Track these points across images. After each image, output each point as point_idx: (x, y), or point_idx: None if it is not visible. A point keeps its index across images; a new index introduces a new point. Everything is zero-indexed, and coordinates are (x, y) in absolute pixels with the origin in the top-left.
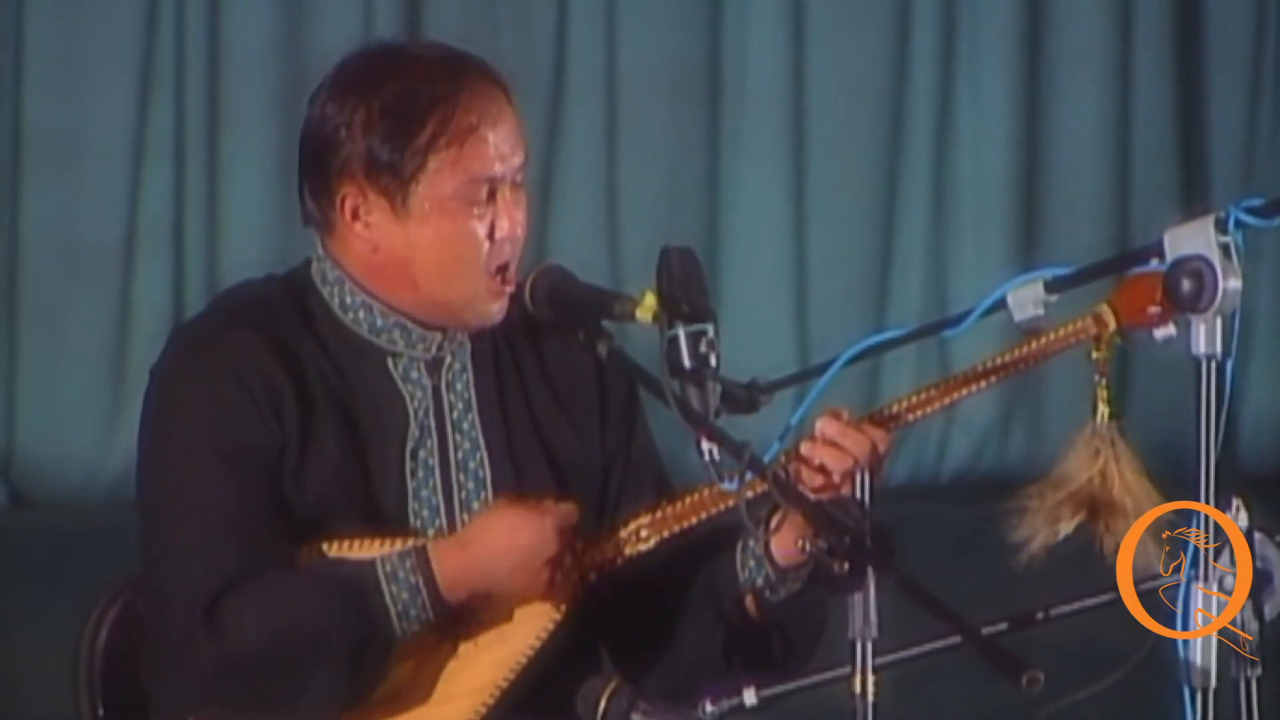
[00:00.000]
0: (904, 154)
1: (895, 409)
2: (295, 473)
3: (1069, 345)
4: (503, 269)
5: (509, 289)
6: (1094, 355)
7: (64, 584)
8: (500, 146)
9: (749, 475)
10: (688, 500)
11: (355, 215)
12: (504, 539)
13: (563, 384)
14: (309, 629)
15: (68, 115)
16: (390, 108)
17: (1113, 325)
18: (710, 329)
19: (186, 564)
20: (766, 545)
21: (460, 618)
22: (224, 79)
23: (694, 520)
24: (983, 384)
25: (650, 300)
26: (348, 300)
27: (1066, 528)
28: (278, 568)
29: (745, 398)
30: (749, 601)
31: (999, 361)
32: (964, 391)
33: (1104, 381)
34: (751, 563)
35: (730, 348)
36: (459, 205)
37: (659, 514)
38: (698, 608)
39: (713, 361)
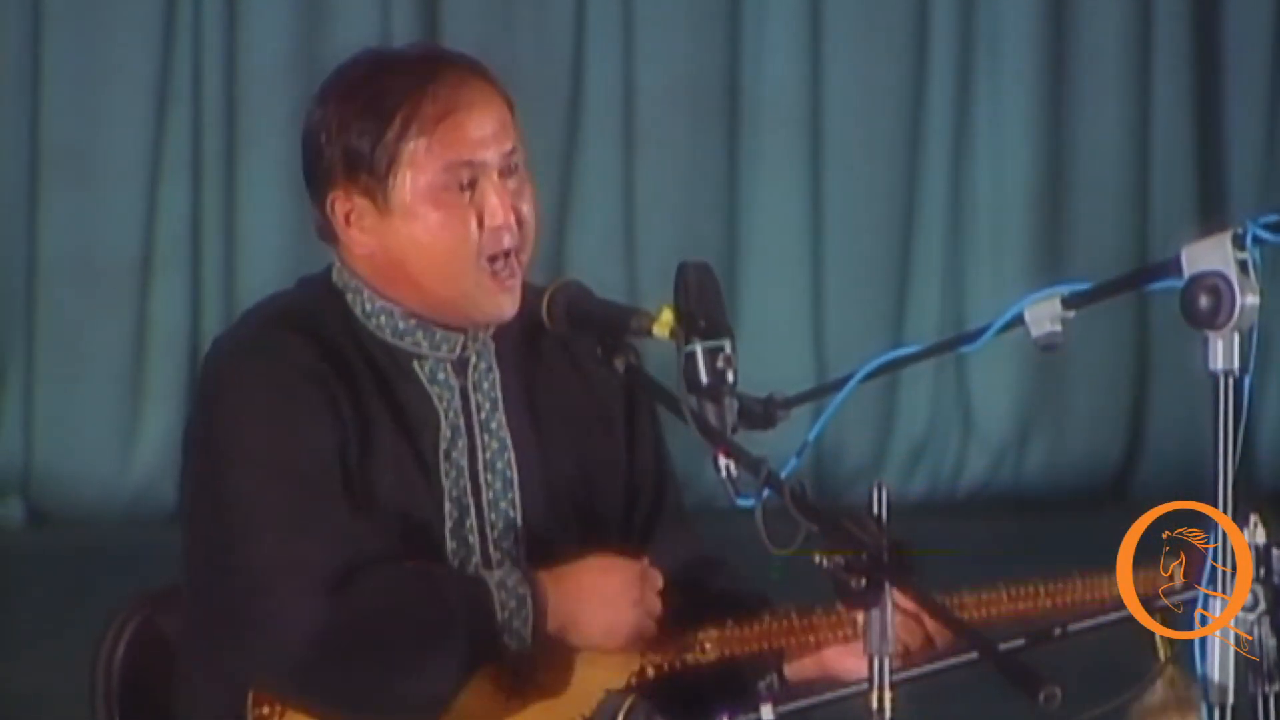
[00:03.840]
0: (922, 169)
1: (964, 603)
2: (358, 473)
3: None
4: (496, 258)
5: (512, 281)
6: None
7: (81, 600)
8: (478, 131)
9: (765, 490)
10: (758, 627)
11: (348, 220)
12: (594, 577)
13: (592, 378)
14: (436, 607)
15: (84, 132)
16: (363, 106)
17: None
18: (727, 345)
19: (293, 544)
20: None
21: (534, 669)
22: (241, 95)
23: (760, 646)
24: (1057, 607)
25: (667, 316)
26: (368, 307)
27: None
28: (384, 559)
29: (762, 413)
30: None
31: (1078, 596)
32: (1031, 609)
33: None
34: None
35: (747, 363)
36: (440, 195)
37: (727, 632)
38: None
39: (730, 377)
